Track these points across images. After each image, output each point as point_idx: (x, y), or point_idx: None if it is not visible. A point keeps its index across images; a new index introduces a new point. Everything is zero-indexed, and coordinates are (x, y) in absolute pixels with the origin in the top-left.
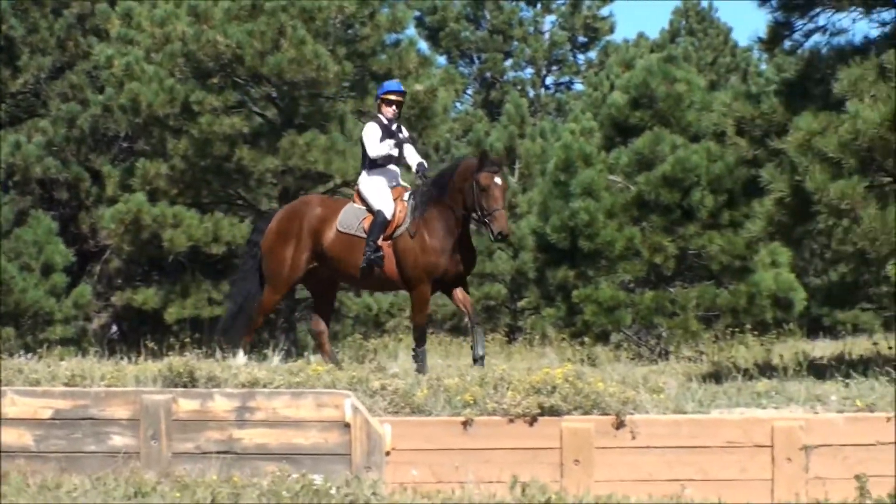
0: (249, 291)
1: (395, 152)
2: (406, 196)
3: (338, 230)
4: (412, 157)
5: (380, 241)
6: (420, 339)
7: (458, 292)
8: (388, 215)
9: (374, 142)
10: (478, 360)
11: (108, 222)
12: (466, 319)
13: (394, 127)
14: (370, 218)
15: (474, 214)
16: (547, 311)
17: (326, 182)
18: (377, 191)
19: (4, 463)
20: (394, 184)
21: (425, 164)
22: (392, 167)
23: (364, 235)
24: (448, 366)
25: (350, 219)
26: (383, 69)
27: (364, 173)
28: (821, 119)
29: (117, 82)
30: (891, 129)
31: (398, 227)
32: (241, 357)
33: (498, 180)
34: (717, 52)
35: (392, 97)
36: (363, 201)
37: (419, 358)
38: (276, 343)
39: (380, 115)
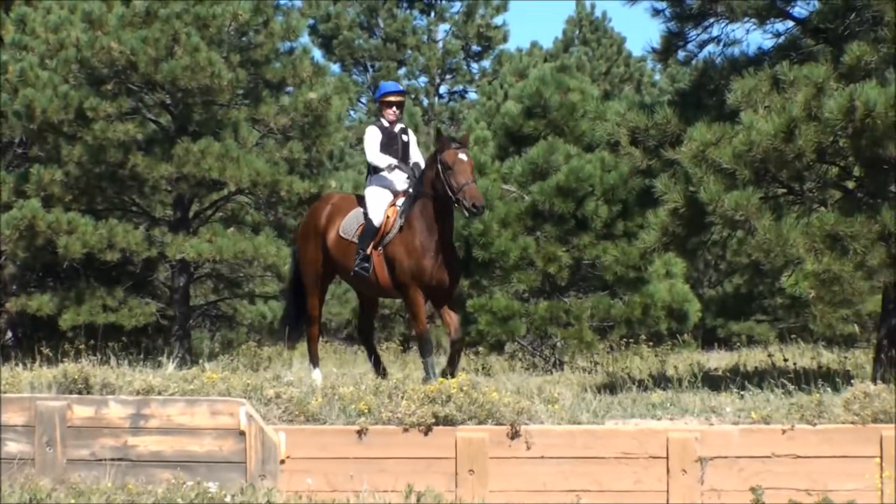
0: (288, 296)
1: (394, 163)
2: (399, 201)
3: (339, 234)
4: (416, 157)
5: (369, 250)
6: (423, 349)
7: (447, 312)
8: (377, 223)
9: (374, 150)
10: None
11: (2, 229)
12: (448, 340)
13: (396, 129)
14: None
15: (450, 195)
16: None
17: (220, 189)
18: (374, 198)
19: None
20: (398, 188)
21: (421, 165)
22: (403, 165)
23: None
24: (343, 374)
25: (351, 224)
26: (277, 77)
27: (370, 178)
28: (715, 130)
29: (11, 88)
30: (785, 141)
31: (387, 233)
32: (316, 374)
33: (463, 156)
34: (611, 61)
35: (391, 99)
36: (363, 205)
37: (426, 368)
38: (171, 350)
39: (381, 119)
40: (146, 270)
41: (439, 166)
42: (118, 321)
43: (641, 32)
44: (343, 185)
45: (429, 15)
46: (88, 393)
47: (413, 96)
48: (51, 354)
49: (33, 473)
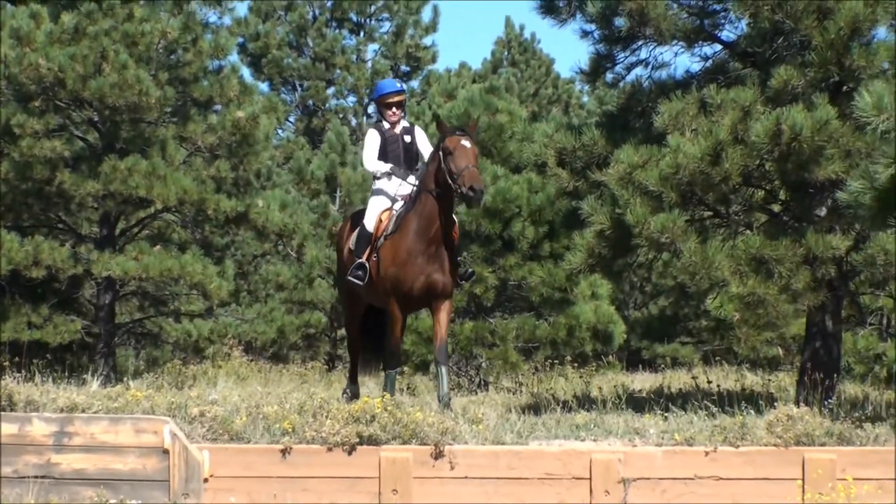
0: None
1: (386, 169)
2: (398, 205)
3: (349, 248)
4: (424, 154)
5: (364, 257)
6: (388, 362)
7: (438, 324)
8: (369, 228)
9: (370, 156)
10: (441, 399)
11: None
12: (436, 352)
13: (398, 130)
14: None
15: (450, 183)
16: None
17: (147, 207)
18: (372, 205)
19: None
20: (396, 194)
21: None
22: (399, 170)
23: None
24: (268, 393)
25: (355, 237)
26: (205, 95)
27: (372, 184)
28: (642, 152)
29: None
30: (711, 164)
31: (378, 238)
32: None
33: (466, 143)
34: (540, 83)
35: (390, 99)
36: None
37: (386, 382)
38: (96, 368)
39: (382, 121)
40: (72, 288)
41: (440, 153)
42: (43, 338)
43: (570, 54)
44: (270, 203)
45: (358, 35)
46: (12, 410)
47: (341, 115)
48: None
49: None
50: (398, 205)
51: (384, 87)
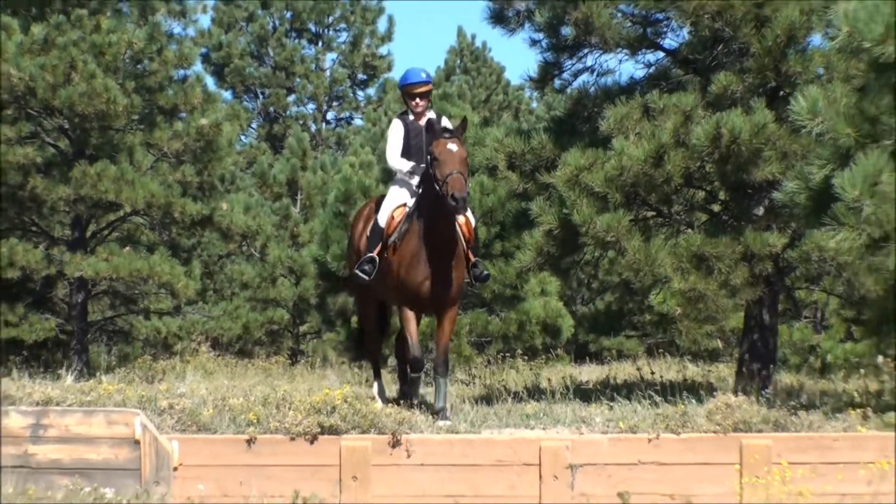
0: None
1: (409, 167)
2: (411, 202)
3: (366, 235)
4: None
5: (375, 252)
6: (413, 365)
7: (440, 331)
8: (381, 224)
9: (393, 153)
10: (438, 412)
11: None
12: (436, 355)
13: (422, 121)
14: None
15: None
16: (328, 335)
17: (117, 210)
18: (388, 198)
19: None
20: (416, 189)
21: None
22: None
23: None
24: (234, 386)
25: (370, 231)
26: (170, 103)
27: (394, 176)
28: (588, 155)
29: None
30: (654, 166)
31: (390, 236)
32: (375, 391)
33: (452, 146)
34: (491, 90)
35: (415, 90)
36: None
37: (412, 385)
38: (70, 363)
39: (407, 113)
40: (46, 287)
41: (428, 158)
42: (19, 336)
43: (520, 62)
44: (234, 206)
45: (317, 45)
46: None
47: (302, 122)
48: None
49: None
50: (412, 201)
51: (410, 76)
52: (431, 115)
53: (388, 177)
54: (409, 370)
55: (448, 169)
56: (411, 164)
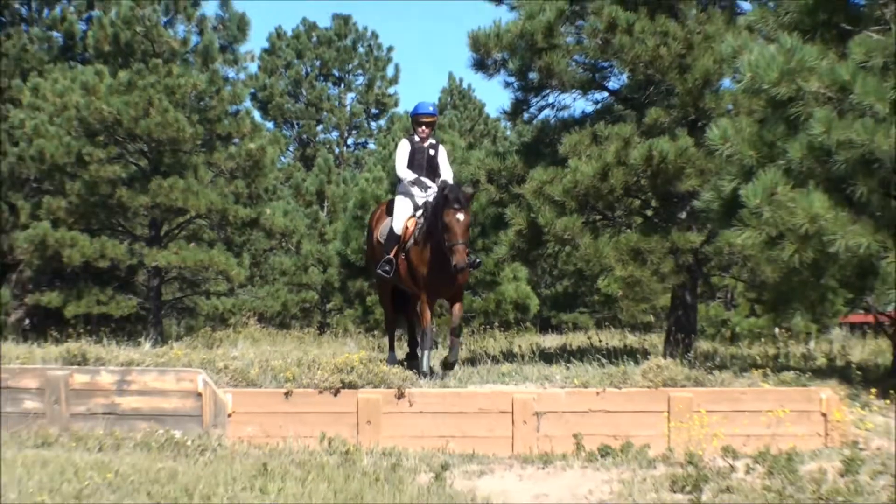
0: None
1: (413, 177)
2: (419, 213)
3: (377, 238)
4: (444, 170)
5: (392, 254)
6: (424, 343)
7: (453, 308)
8: (398, 231)
9: (401, 164)
10: (448, 365)
11: (21, 243)
12: (451, 326)
13: (426, 144)
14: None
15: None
16: (348, 311)
17: (184, 215)
18: (398, 208)
19: None
20: (419, 200)
21: (448, 182)
22: (424, 179)
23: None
24: (274, 351)
25: (385, 229)
26: (226, 131)
27: (397, 185)
28: (549, 172)
29: (28, 139)
30: (600, 180)
31: (406, 242)
32: (393, 358)
33: (459, 216)
34: (474, 121)
35: (423, 119)
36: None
37: (423, 358)
38: (148, 333)
39: (413, 135)
40: (129, 274)
41: (440, 223)
42: (108, 311)
43: (497, 99)
44: (275, 211)
45: (339, 86)
46: (85, 364)
47: (328, 146)
48: (58, 336)
49: (44, 423)
50: (419, 212)
51: (420, 108)
52: (432, 140)
53: (395, 187)
54: (423, 348)
55: (454, 239)
56: (414, 175)
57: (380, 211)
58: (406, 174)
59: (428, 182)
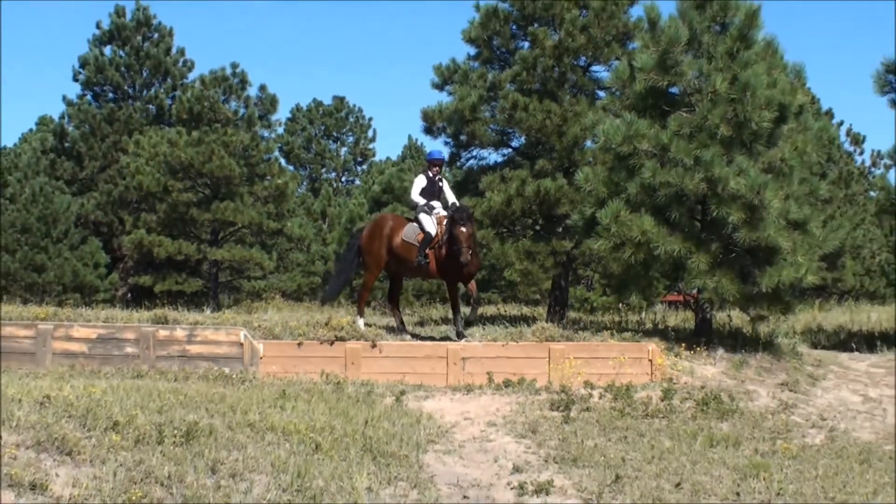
0: (347, 272)
1: (423, 203)
2: (443, 222)
3: (402, 239)
4: (450, 196)
5: (427, 251)
6: (455, 312)
7: (471, 285)
8: (433, 235)
9: (416, 192)
10: (471, 321)
11: (127, 243)
12: (471, 297)
13: (437, 178)
14: (422, 235)
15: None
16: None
17: (234, 226)
18: (428, 220)
19: (74, 360)
20: (437, 213)
21: (457, 204)
22: (434, 203)
23: (418, 245)
24: (292, 316)
25: (410, 233)
26: (262, 172)
27: (418, 208)
28: (473, 201)
29: (132, 175)
30: (506, 206)
31: (437, 243)
32: (360, 322)
33: (463, 229)
34: (424, 167)
35: (435, 162)
36: (419, 224)
37: (457, 321)
38: (208, 304)
39: (427, 171)
40: (197, 265)
41: (452, 233)
42: (183, 289)
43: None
44: (294, 224)
45: (336, 143)
46: (167, 323)
47: (328, 182)
48: (149, 305)
49: (138, 363)
50: (443, 222)
51: (434, 154)
52: (440, 177)
53: (379, 208)
54: (455, 313)
55: (461, 245)
56: (424, 200)
57: (394, 223)
58: (418, 199)
59: (434, 204)
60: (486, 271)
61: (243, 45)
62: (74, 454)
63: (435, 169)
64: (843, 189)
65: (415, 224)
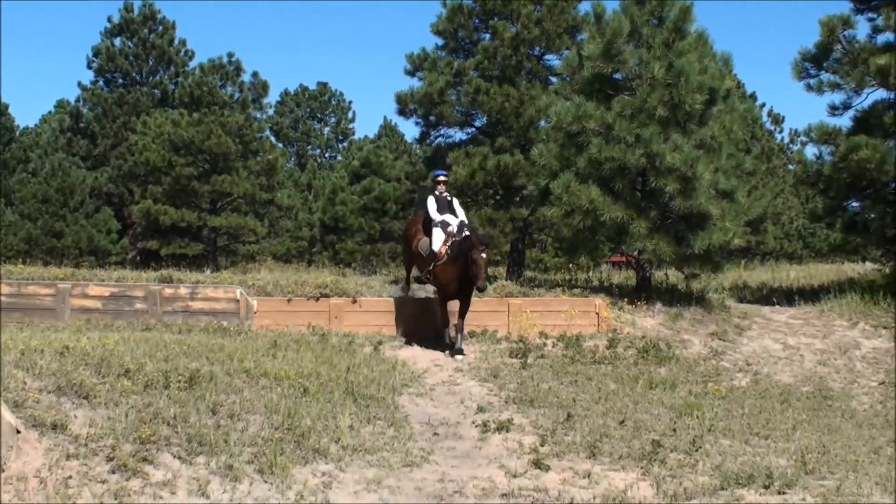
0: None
1: (439, 219)
2: (449, 242)
3: (417, 248)
4: (459, 212)
5: (431, 267)
6: (442, 321)
7: (462, 309)
8: (436, 250)
9: (433, 209)
10: (456, 351)
11: (136, 212)
12: (456, 322)
13: (445, 195)
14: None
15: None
16: (325, 253)
17: (230, 196)
18: (436, 235)
19: (89, 315)
20: (448, 230)
21: (465, 222)
22: (448, 218)
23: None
24: (282, 276)
25: (424, 245)
26: (255, 148)
27: (434, 222)
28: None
29: (139, 151)
30: (470, 178)
31: (440, 259)
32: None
33: (483, 255)
34: (398, 144)
35: (440, 179)
36: (430, 240)
37: (445, 336)
38: (208, 265)
39: (435, 190)
40: (198, 231)
41: (469, 256)
42: (186, 252)
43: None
44: (284, 195)
45: (321, 123)
46: (171, 282)
47: (314, 158)
48: (156, 266)
49: (147, 317)
50: (449, 241)
51: (437, 173)
52: (447, 193)
53: (358, 180)
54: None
55: (479, 271)
56: (441, 217)
57: (416, 227)
58: (436, 216)
59: (449, 220)
60: None
61: (239, 36)
62: (91, 398)
63: (441, 186)
64: (765, 163)
65: (427, 239)
